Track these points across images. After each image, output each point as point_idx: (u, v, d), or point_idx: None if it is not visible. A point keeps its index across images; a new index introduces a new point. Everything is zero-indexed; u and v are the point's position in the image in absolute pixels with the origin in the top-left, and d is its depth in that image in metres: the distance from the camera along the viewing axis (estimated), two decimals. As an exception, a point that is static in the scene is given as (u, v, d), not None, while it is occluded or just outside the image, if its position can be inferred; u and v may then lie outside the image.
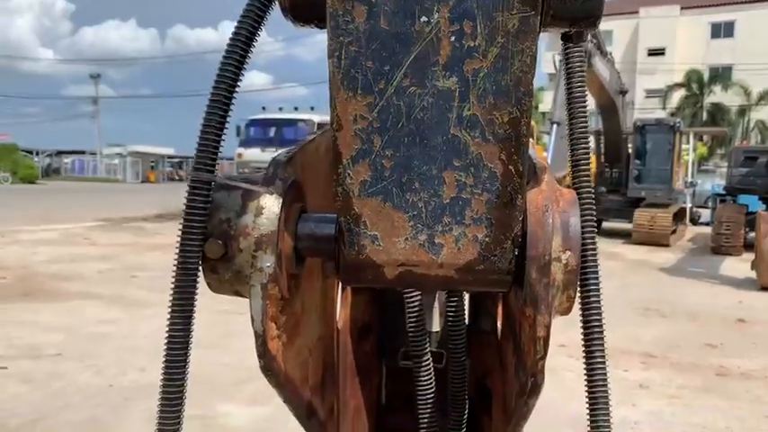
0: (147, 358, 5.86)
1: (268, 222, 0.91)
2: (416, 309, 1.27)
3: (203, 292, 0.94)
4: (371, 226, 0.91)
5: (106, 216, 19.59)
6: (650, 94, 53.93)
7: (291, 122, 23.47)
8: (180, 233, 0.90)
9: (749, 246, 13.59)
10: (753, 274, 11.07)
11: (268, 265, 0.90)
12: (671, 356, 6.55)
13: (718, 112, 50.20)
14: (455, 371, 1.36)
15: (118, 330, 6.80)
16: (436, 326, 1.41)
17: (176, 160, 69.27)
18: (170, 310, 0.92)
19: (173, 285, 0.91)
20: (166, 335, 0.92)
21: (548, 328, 0.92)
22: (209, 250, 0.90)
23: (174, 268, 0.91)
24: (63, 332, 6.64)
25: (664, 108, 50.04)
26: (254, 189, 0.92)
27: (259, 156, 21.71)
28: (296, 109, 25.03)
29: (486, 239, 0.91)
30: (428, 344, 1.32)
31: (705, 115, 50.50)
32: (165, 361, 0.92)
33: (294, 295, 0.98)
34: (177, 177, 64.30)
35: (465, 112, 0.86)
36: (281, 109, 25.44)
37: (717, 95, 50.63)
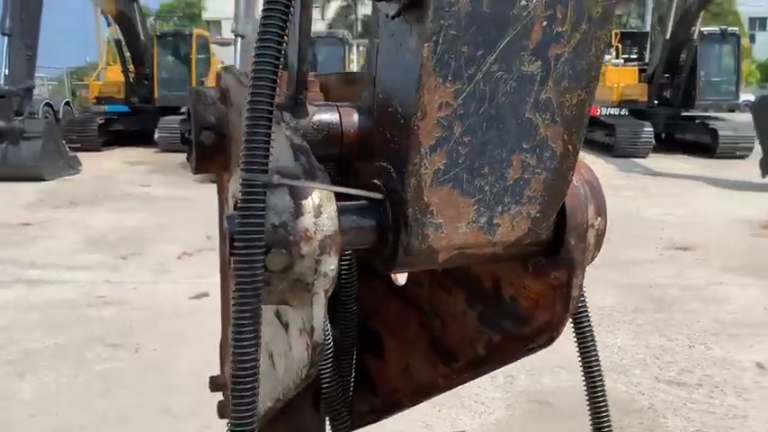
0: None
1: (330, 222, 0.81)
2: None
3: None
4: (438, 214, 0.88)
5: None
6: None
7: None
8: (241, 244, 0.75)
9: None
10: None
11: (332, 268, 0.81)
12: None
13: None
14: (345, 318, 1.28)
15: None
16: None
17: None
18: (235, 329, 0.77)
19: (236, 306, 0.76)
20: (235, 351, 0.77)
21: (580, 288, 0.99)
22: (273, 263, 0.77)
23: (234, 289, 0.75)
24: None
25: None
26: (304, 185, 0.81)
27: None
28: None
29: (538, 215, 0.93)
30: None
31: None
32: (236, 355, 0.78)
33: None
34: None
35: (542, 95, 0.86)
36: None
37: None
